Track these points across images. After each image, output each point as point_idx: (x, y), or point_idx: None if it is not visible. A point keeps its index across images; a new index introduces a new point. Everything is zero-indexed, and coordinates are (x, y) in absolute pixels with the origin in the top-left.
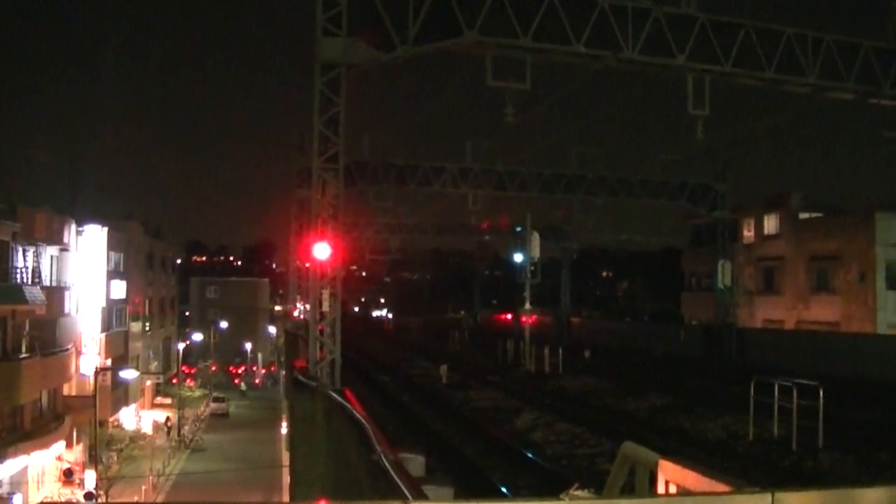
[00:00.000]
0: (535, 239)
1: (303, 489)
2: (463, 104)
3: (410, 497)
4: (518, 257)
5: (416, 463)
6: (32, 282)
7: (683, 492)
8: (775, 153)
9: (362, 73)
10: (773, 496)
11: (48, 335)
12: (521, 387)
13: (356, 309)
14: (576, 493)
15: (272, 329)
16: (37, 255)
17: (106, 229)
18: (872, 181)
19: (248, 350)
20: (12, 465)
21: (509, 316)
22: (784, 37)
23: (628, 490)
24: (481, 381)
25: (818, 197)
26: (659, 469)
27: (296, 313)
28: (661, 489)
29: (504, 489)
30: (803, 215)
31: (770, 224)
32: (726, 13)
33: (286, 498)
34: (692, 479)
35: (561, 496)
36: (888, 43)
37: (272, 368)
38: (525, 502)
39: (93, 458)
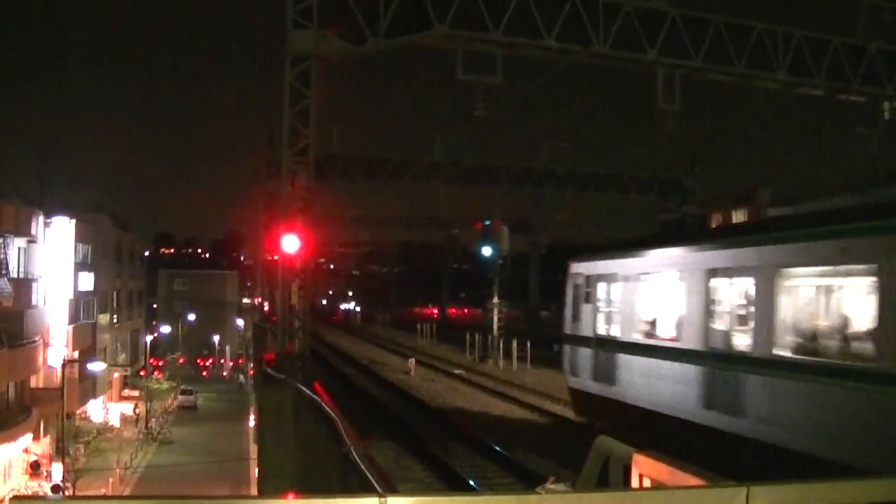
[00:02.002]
0: (505, 233)
1: (271, 482)
2: (433, 98)
3: (381, 490)
4: (486, 251)
5: None
6: (0, 274)
7: (657, 485)
8: (747, 148)
9: (333, 66)
10: (748, 490)
11: (15, 327)
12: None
13: (324, 302)
14: (551, 486)
15: (240, 322)
16: (4, 247)
17: (74, 221)
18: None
19: (216, 343)
20: None
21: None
22: (754, 32)
23: (602, 483)
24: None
25: (789, 192)
26: (633, 463)
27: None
28: (634, 482)
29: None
30: (772, 210)
31: (738, 219)
32: (697, 8)
33: (254, 491)
34: (666, 472)
35: (537, 489)
36: (857, 39)
37: (240, 361)
38: (499, 496)
39: (60, 451)
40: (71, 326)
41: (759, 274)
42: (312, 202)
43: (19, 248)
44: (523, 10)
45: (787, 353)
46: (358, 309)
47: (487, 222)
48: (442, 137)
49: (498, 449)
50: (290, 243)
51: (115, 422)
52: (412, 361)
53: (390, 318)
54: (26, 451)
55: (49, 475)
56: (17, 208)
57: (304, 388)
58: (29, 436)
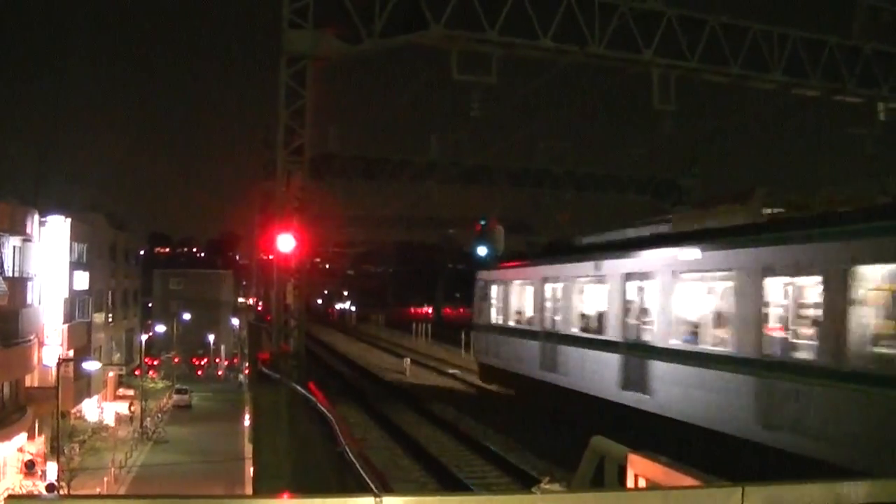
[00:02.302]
0: (500, 233)
1: (267, 482)
2: (431, 97)
3: (377, 490)
4: (481, 251)
5: None
6: None
7: (653, 485)
8: (746, 148)
9: (329, 66)
10: (743, 490)
11: (10, 326)
12: None
13: (319, 301)
14: (547, 486)
15: (235, 321)
16: None
17: (69, 220)
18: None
19: (211, 342)
20: None
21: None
22: (750, 33)
23: (597, 483)
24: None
25: (786, 193)
26: (628, 463)
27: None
28: (630, 483)
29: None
30: (766, 210)
31: (735, 219)
32: (693, 9)
33: (249, 490)
34: (661, 472)
35: (532, 489)
36: (853, 40)
37: (235, 360)
38: (495, 496)
39: (55, 450)
40: (66, 325)
41: (565, 280)
42: (308, 201)
43: (14, 247)
44: (519, 10)
45: (578, 331)
46: (353, 308)
47: (483, 222)
48: (439, 137)
49: None
50: (286, 243)
51: (109, 421)
52: (407, 361)
53: (385, 317)
54: (21, 450)
55: (44, 474)
56: (13, 207)
57: (299, 388)
58: (24, 435)
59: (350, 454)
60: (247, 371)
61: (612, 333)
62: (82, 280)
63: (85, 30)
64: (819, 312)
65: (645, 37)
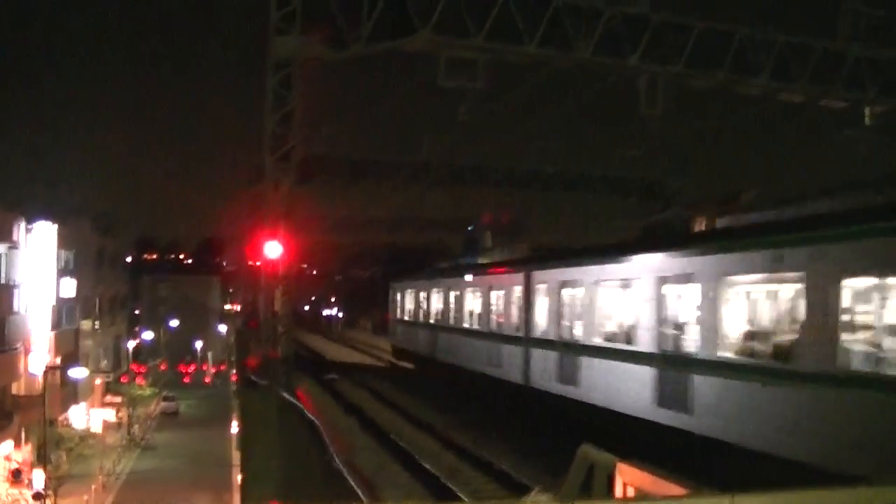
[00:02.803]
0: (488, 236)
1: (255, 490)
2: (420, 100)
3: (365, 499)
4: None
5: None
6: None
7: (642, 495)
8: (737, 152)
9: (317, 69)
10: (732, 499)
11: None
12: None
13: (306, 308)
14: (536, 497)
15: (223, 327)
16: None
17: (56, 226)
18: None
19: (199, 348)
20: None
21: None
22: (736, 38)
23: (586, 493)
24: None
25: (775, 195)
26: (617, 472)
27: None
28: (619, 492)
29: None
30: (753, 214)
31: (723, 222)
32: (679, 14)
33: (237, 497)
34: (650, 482)
35: (522, 499)
36: (839, 45)
37: (222, 367)
38: None
39: (42, 458)
40: (53, 333)
41: (451, 287)
42: (295, 207)
43: (1, 254)
44: (505, 15)
45: (451, 323)
46: (341, 315)
47: (471, 228)
48: (429, 139)
49: None
50: (273, 249)
51: (97, 428)
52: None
53: (372, 323)
54: (7, 458)
55: (31, 483)
56: (0, 214)
57: (286, 395)
58: (10, 443)
59: (338, 462)
60: (234, 378)
61: (472, 324)
62: (69, 287)
63: (71, 32)
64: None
65: (631, 42)
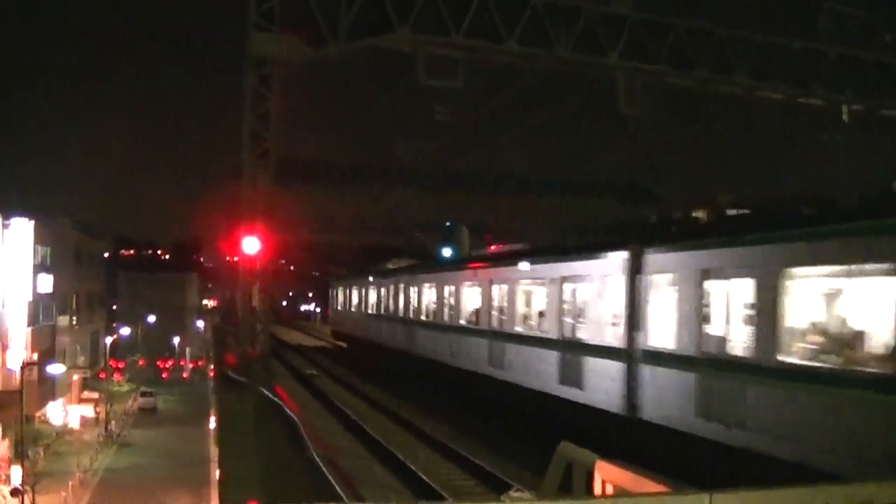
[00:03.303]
0: (465, 234)
1: (233, 488)
2: (396, 101)
3: (345, 498)
4: (446, 252)
5: None
6: None
7: (621, 492)
8: (715, 153)
9: (294, 69)
10: (710, 497)
11: None
12: None
13: (284, 303)
14: (515, 494)
15: (201, 323)
16: None
17: (33, 223)
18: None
19: (177, 345)
20: None
21: None
22: (715, 37)
23: (565, 490)
24: None
25: (752, 196)
26: (596, 469)
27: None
28: (598, 489)
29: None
30: (731, 212)
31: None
32: (658, 13)
33: (215, 495)
34: (630, 480)
35: (501, 498)
36: (817, 45)
37: (200, 363)
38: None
39: (19, 454)
40: (30, 329)
41: (364, 287)
42: (273, 204)
43: None
44: (484, 13)
45: (373, 311)
46: (318, 310)
47: (448, 224)
48: (406, 141)
49: None
50: (251, 245)
51: (74, 424)
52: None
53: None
54: None
55: (8, 479)
56: None
57: (265, 392)
58: None
59: (318, 459)
60: (212, 374)
61: (393, 312)
62: (46, 283)
63: (46, 31)
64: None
65: (610, 40)
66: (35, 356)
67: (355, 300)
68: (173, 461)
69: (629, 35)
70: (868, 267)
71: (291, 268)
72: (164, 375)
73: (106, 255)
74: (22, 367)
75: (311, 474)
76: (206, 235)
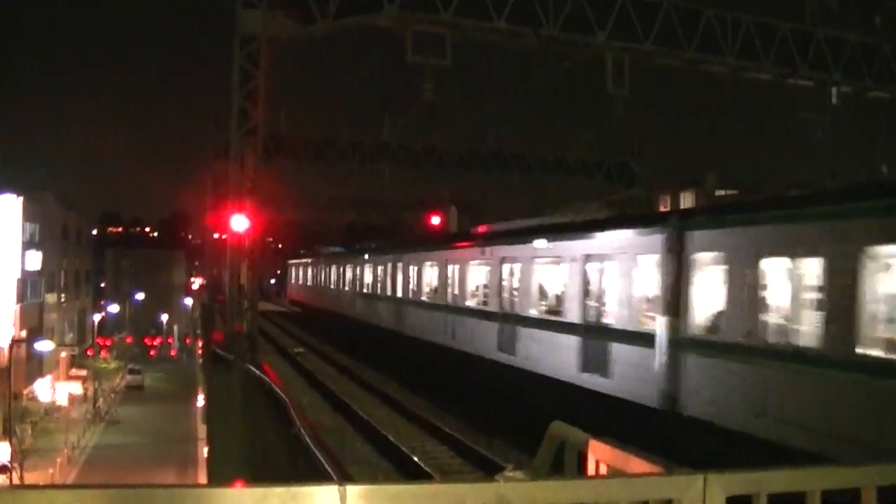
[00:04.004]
0: (453, 213)
1: (220, 465)
2: (383, 79)
3: (334, 476)
4: (435, 220)
5: None
6: None
7: (614, 472)
8: (698, 133)
9: (282, 47)
10: (705, 477)
11: None
12: None
13: (272, 281)
14: (510, 474)
15: (189, 301)
16: None
17: (21, 199)
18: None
19: (164, 322)
20: None
21: None
22: (704, 17)
23: (557, 470)
24: None
25: (737, 176)
26: (589, 449)
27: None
28: (591, 469)
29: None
30: (719, 192)
31: (686, 201)
32: None
33: (203, 471)
34: (623, 459)
35: (495, 477)
36: (805, 26)
37: (187, 340)
38: (456, 484)
39: (7, 431)
40: (18, 306)
41: (319, 266)
42: (261, 182)
43: None
44: None
45: (332, 286)
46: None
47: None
48: (391, 119)
49: None
50: (239, 223)
51: (62, 401)
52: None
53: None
54: None
55: None
56: None
57: (252, 369)
58: None
59: (306, 437)
60: (200, 352)
61: (348, 286)
62: (34, 260)
63: (29, 7)
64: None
65: (599, 19)
66: (23, 333)
67: (306, 275)
68: (161, 438)
69: (618, 15)
70: None
71: (279, 246)
72: (151, 353)
73: (93, 232)
74: (10, 345)
75: (299, 452)
76: (194, 212)
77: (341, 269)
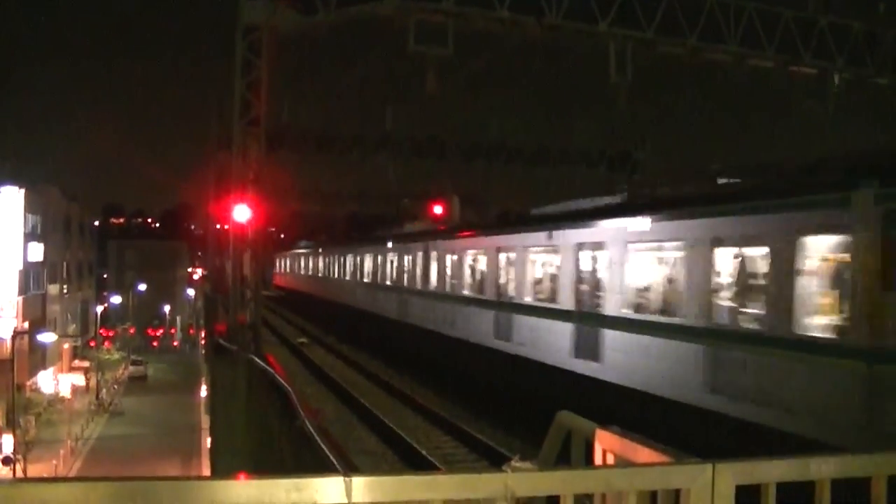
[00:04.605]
0: (455, 202)
1: (224, 457)
2: (385, 70)
3: (338, 466)
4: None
5: None
6: None
7: (621, 461)
8: (701, 122)
9: (284, 37)
10: (713, 466)
11: None
12: None
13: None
14: (517, 464)
15: (191, 291)
16: None
17: (23, 191)
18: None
19: (167, 313)
20: None
21: None
22: (706, 4)
23: (564, 459)
24: None
25: (740, 163)
26: (596, 439)
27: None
28: (598, 458)
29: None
30: (722, 180)
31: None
32: None
33: (206, 462)
34: (630, 448)
35: (503, 468)
36: (808, 13)
37: (191, 331)
38: (464, 474)
39: (10, 423)
40: (21, 297)
41: (300, 257)
42: (263, 173)
43: None
44: None
45: (310, 273)
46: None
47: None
48: (393, 110)
49: None
50: (242, 213)
51: (65, 393)
52: None
53: None
54: None
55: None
56: None
57: (256, 360)
58: None
59: (310, 428)
60: (203, 342)
61: (307, 273)
62: (37, 252)
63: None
64: None
65: (601, 7)
66: (26, 325)
67: (288, 264)
68: (164, 429)
69: (620, 3)
70: None
71: (282, 236)
72: (154, 344)
73: (96, 223)
74: (13, 336)
75: (303, 443)
76: (197, 203)
77: (308, 260)
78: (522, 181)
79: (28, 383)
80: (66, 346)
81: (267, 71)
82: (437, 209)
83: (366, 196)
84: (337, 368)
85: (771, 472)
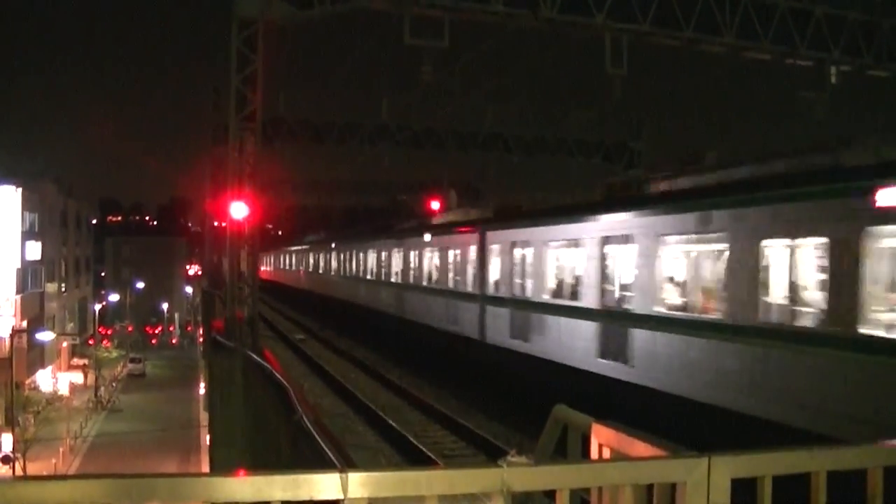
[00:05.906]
0: (452, 196)
1: (223, 452)
2: (381, 61)
3: (336, 461)
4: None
5: None
6: None
7: (618, 456)
8: (698, 112)
9: (280, 30)
10: (709, 460)
11: None
12: None
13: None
14: (513, 459)
15: (189, 288)
16: None
17: (20, 189)
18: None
19: (165, 310)
20: None
21: None
22: None
23: (560, 453)
24: None
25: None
26: (592, 432)
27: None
28: (594, 452)
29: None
30: (721, 173)
31: (686, 181)
32: None
33: (205, 458)
34: (626, 442)
35: (499, 462)
36: (804, 4)
37: (188, 328)
38: (462, 470)
39: (9, 421)
40: (18, 296)
41: (293, 254)
42: (260, 167)
43: None
44: None
45: (302, 268)
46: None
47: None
48: (389, 101)
49: None
50: (239, 210)
51: (64, 391)
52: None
53: None
54: None
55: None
56: None
57: (253, 356)
58: None
59: (307, 423)
60: (201, 339)
61: (292, 267)
62: (34, 250)
63: None
64: None
65: (597, 0)
66: (24, 323)
67: (276, 260)
68: (163, 426)
69: None
70: None
71: (279, 232)
72: (152, 341)
73: (93, 220)
74: (11, 335)
75: (301, 438)
76: (193, 198)
77: (287, 257)
78: (520, 171)
79: (27, 382)
80: (64, 344)
81: (263, 65)
82: (435, 204)
83: (363, 187)
84: (336, 366)
85: (767, 464)
